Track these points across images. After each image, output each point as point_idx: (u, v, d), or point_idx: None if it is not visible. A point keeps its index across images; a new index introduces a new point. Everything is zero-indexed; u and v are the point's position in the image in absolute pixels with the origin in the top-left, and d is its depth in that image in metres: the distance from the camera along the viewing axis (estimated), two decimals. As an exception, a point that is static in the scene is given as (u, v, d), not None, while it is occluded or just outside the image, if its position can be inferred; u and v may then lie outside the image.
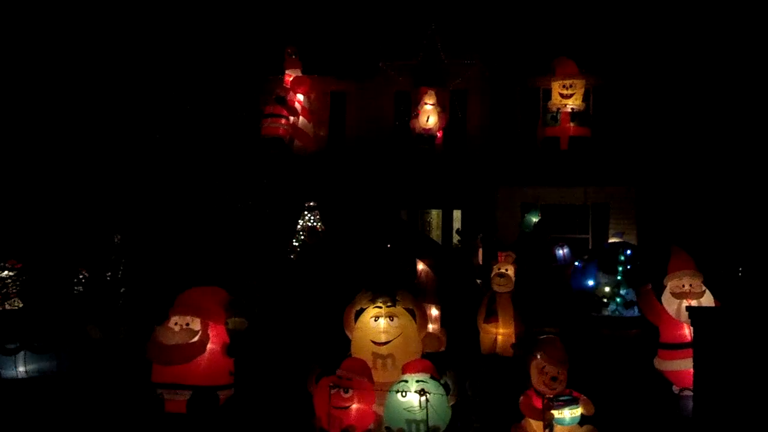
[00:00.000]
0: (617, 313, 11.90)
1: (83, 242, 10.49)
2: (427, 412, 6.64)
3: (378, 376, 7.26)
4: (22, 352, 9.19)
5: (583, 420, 6.77)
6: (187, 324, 7.43)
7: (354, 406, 6.83)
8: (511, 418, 7.11)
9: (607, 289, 11.98)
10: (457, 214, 18.22)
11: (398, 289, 7.96)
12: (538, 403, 6.74)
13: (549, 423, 6.59)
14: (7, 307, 11.12)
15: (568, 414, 6.65)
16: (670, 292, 8.74)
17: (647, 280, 9.33)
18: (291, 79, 18.20)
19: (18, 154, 11.12)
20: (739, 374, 6.62)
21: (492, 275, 10.98)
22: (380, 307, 7.69)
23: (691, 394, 7.20)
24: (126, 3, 16.39)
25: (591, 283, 12.29)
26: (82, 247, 10.38)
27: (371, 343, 7.59)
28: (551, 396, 6.69)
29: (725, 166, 16.96)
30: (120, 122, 11.31)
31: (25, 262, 10.48)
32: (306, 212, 17.03)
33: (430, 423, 6.69)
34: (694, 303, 8.40)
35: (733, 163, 17.05)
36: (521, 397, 6.93)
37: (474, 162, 16.51)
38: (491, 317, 10.56)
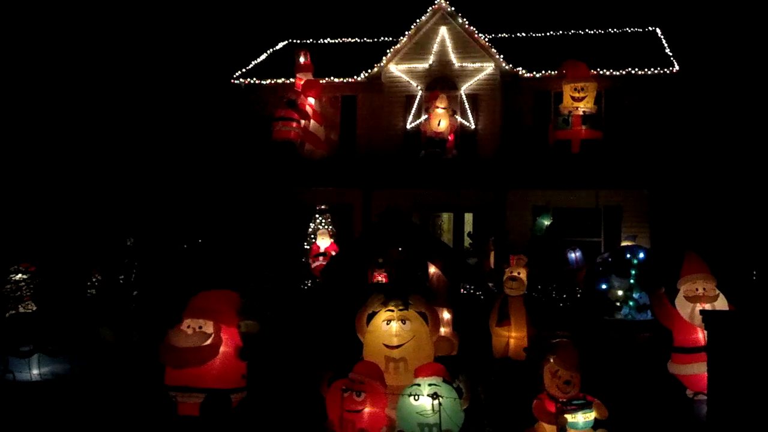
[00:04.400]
0: (630, 316, 11.84)
1: (96, 245, 10.55)
2: (439, 416, 6.62)
3: (390, 380, 7.24)
4: (35, 355, 9.25)
5: (596, 424, 6.73)
6: (200, 327, 7.43)
7: (366, 410, 6.81)
8: (524, 422, 7.09)
9: (620, 292, 11.92)
10: (468, 218, 18.20)
11: (410, 292, 7.95)
12: (552, 407, 6.70)
13: (562, 427, 6.56)
14: (21, 310, 11.20)
15: (582, 418, 6.61)
16: (684, 296, 8.68)
17: (660, 284, 9.28)
18: (302, 82, 18.26)
19: (29, 157, 11.20)
20: (753, 378, 6.58)
21: (504, 279, 10.97)
22: (392, 311, 7.66)
23: (705, 398, 7.16)
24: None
25: (604, 286, 12.23)
26: (95, 250, 10.44)
27: (383, 347, 7.57)
28: (565, 400, 6.66)
29: (739, 169, 16.88)
30: (131, 125, 11.38)
31: (39, 265, 10.56)
32: (317, 215, 17.09)
33: (443, 427, 6.67)
34: (707, 307, 8.35)
35: (747, 166, 16.97)
36: (534, 401, 6.89)
37: (485, 165, 16.49)
38: (504, 321, 10.53)
